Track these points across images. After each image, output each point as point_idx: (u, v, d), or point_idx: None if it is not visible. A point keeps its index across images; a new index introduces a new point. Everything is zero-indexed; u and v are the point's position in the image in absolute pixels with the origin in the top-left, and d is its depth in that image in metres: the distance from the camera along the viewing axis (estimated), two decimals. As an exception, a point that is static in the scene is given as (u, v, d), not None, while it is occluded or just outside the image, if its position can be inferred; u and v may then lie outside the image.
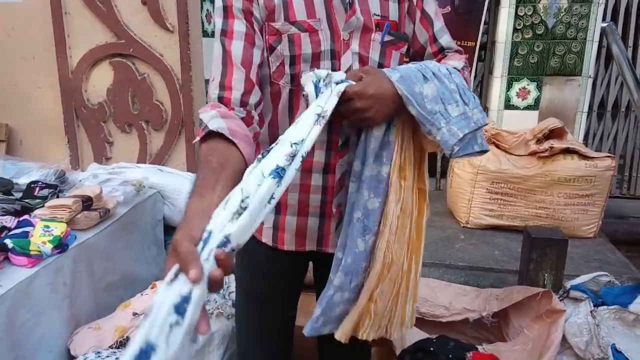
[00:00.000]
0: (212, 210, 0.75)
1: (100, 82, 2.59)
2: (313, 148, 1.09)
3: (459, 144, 0.96)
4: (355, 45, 1.07)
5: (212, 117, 0.93)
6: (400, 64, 1.13)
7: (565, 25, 3.04)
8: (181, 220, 0.78)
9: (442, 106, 0.97)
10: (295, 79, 1.07)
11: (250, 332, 1.35)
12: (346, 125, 1.04)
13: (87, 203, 1.94)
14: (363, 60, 1.09)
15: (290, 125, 1.09)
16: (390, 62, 1.11)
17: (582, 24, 3.02)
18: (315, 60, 1.06)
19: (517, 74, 3.14)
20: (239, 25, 1.03)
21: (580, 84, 3.07)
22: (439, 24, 1.17)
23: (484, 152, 1.02)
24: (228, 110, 0.98)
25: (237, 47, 1.03)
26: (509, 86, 3.16)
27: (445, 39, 1.18)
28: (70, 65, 2.59)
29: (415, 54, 1.20)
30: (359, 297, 1.07)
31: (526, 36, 3.09)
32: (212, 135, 0.91)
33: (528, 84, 3.14)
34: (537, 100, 3.15)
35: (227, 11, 1.03)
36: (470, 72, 3.22)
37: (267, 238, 1.21)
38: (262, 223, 1.18)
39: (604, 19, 3.09)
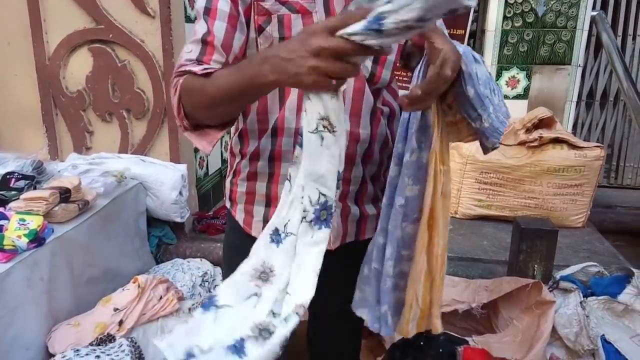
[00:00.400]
0: None
1: (78, 69, 2.50)
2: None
3: (503, 135, 0.91)
4: None
5: (209, 68, 0.93)
6: (397, 56, 1.07)
7: (556, 13, 3.01)
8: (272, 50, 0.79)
9: (488, 91, 0.89)
10: None
11: None
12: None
13: (65, 195, 1.87)
14: None
15: (280, 111, 1.04)
16: None
17: (572, 12, 2.99)
18: None
19: (506, 63, 3.10)
20: (222, 4, 0.98)
21: (570, 73, 3.06)
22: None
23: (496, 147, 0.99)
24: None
25: (219, 29, 0.98)
26: (499, 75, 3.13)
27: (445, 34, 1.14)
28: (47, 51, 2.49)
29: (414, 47, 1.14)
30: (406, 286, 1.00)
31: (516, 24, 3.05)
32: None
33: (517, 73, 3.11)
34: (527, 90, 3.12)
35: None
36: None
37: (257, 232, 1.14)
38: (252, 216, 1.14)
39: (593, 8, 3.07)
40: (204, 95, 0.91)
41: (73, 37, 2.44)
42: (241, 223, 1.17)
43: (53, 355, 1.61)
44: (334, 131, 0.77)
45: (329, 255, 1.21)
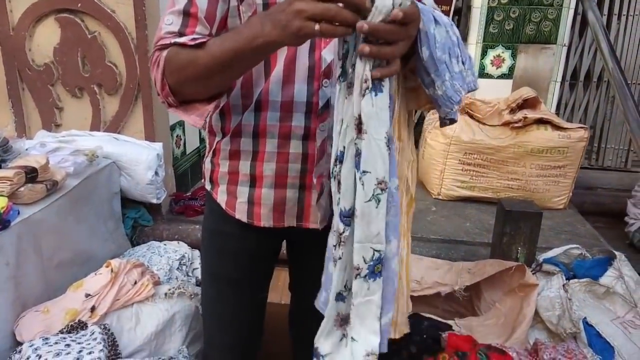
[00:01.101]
0: None
1: (45, 40, 2.35)
2: (290, 112, 0.98)
3: (458, 104, 0.86)
4: None
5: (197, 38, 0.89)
6: None
7: (542, -10, 2.95)
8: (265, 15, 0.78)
9: (447, 57, 0.84)
10: None
11: (218, 317, 1.26)
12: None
13: (31, 175, 1.77)
14: None
15: (265, 83, 0.97)
16: None
17: (559, -11, 2.93)
18: None
19: (492, 41, 3.04)
20: None
21: (555, 53, 3.01)
22: None
23: (454, 121, 0.93)
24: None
25: (202, 1, 0.92)
26: (484, 54, 3.07)
27: (429, 1, 1.06)
28: (11, 21, 2.33)
29: None
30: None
31: (502, 1, 2.99)
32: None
33: (503, 52, 3.06)
34: (512, 69, 3.08)
35: None
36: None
37: (241, 214, 1.09)
38: (235, 197, 1.08)
39: (580, -15, 3.01)
40: (196, 67, 0.85)
41: (39, 5, 2.29)
42: (223, 205, 1.11)
43: (21, 344, 1.53)
44: (387, 189, 0.78)
45: (315, 236, 1.17)
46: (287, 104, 0.98)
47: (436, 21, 0.82)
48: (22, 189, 1.74)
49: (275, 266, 1.27)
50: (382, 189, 0.78)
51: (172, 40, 0.89)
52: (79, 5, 2.26)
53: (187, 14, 0.91)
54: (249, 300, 1.22)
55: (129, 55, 2.29)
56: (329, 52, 0.94)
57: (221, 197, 1.11)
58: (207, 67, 0.85)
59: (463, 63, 0.88)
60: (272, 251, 1.22)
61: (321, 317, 1.20)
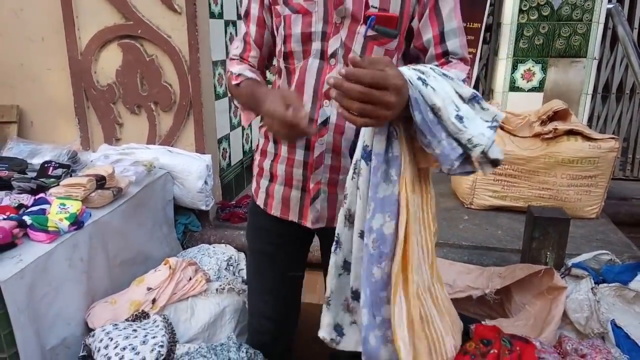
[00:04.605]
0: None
1: (109, 63, 2.61)
2: None
3: (459, 159, 0.89)
4: (343, 32, 1.11)
5: (244, 69, 1.25)
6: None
7: (571, 6, 3.03)
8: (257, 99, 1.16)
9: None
10: (288, 57, 1.18)
11: (257, 288, 1.48)
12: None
13: (100, 182, 1.99)
14: (347, 49, 1.12)
15: None
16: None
17: (588, 5, 3.01)
18: (306, 40, 1.13)
19: (522, 56, 3.14)
20: (254, 9, 1.22)
21: (585, 66, 3.08)
22: (452, 24, 1.10)
23: (498, 160, 0.91)
24: (252, 67, 1.29)
25: (252, 30, 1.24)
26: (514, 68, 3.17)
27: (453, 43, 1.11)
28: (80, 46, 2.61)
29: (418, 51, 1.16)
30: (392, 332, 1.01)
31: (532, 17, 3.09)
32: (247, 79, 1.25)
33: (533, 66, 3.15)
34: (542, 82, 3.16)
35: None
36: (475, 55, 3.22)
37: (260, 201, 1.34)
38: (259, 187, 1.33)
39: (609, 0, 3.08)
40: (235, 98, 1.30)
41: (104, 32, 2.56)
42: (252, 190, 1.38)
43: (92, 330, 1.73)
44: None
45: (309, 235, 1.37)
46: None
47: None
48: (93, 194, 1.95)
49: (311, 268, 1.47)
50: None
51: (231, 67, 1.29)
52: (139, 31, 2.51)
53: (245, 42, 1.27)
54: (282, 275, 1.42)
55: (183, 76, 2.52)
56: (331, 76, 1.12)
57: (254, 185, 1.38)
58: (238, 101, 1.31)
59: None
60: (294, 237, 1.36)
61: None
